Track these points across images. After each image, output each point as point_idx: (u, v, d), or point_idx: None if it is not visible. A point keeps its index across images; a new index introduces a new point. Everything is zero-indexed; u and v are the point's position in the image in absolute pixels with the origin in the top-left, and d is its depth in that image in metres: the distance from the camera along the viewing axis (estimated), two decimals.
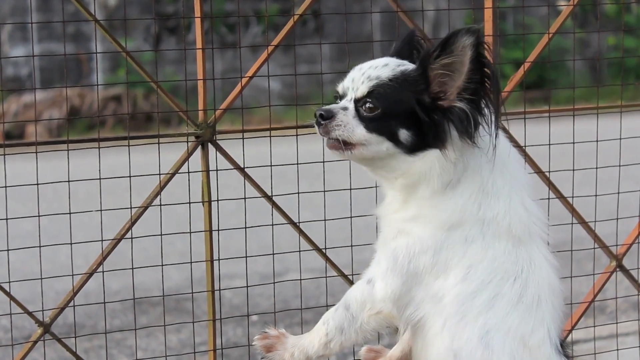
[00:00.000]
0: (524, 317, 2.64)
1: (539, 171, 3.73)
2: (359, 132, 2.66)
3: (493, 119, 2.61)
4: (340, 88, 2.75)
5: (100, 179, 3.26)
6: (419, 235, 2.65)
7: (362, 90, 2.67)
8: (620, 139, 3.91)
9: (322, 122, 2.69)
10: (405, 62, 2.73)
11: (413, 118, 2.63)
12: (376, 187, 2.88)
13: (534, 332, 2.64)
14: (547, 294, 2.68)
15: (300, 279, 3.55)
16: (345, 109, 2.69)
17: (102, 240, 3.29)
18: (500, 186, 2.67)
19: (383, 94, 2.65)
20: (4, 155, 3.17)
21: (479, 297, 2.62)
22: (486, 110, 2.61)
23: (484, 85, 2.59)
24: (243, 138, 3.43)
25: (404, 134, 2.64)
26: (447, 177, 2.64)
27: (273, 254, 3.48)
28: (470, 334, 2.61)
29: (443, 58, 2.58)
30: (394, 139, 2.64)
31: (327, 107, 2.71)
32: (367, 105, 2.66)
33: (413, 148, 2.64)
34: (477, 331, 2.61)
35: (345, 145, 2.67)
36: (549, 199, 3.69)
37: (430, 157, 2.63)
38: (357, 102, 2.68)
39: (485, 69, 2.57)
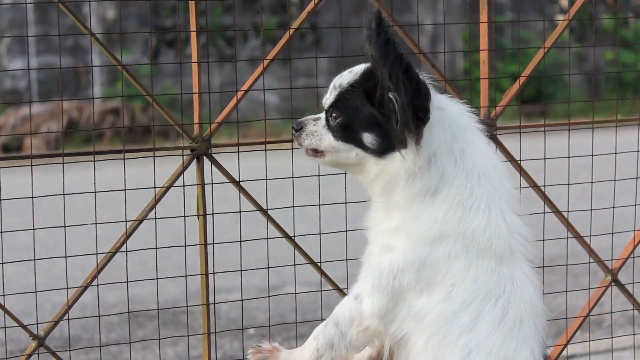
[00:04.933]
0: (506, 338, 2.63)
1: (534, 185, 3.73)
2: (327, 140, 2.77)
3: (399, 108, 2.59)
4: (323, 100, 2.83)
5: (95, 192, 3.26)
6: (402, 249, 2.65)
7: (330, 100, 2.78)
8: (616, 153, 3.92)
9: (295, 133, 2.84)
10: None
11: (375, 120, 2.67)
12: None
13: (517, 353, 2.64)
14: (529, 314, 2.68)
15: (296, 293, 3.55)
16: (317, 119, 2.81)
17: (97, 254, 3.30)
18: (479, 197, 2.66)
19: (344, 102, 2.74)
20: (0, 168, 3.17)
21: (461, 318, 2.62)
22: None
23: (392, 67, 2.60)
24: (239, 151, 3.44)
25: (368, 138, 2.69)
26: (421, 183, 2.65)
27: (268, 267, 3.48)
28: (453, 355, 2.61)
29: (369, 50, 2.63)
30: (360, 144, 2.71)
31: (301, 119, 2.84)
32: (333, 114, 2.76)
33: (381, 151, 2.68)
34: (459, 352, 2.61)
35: (316, 153, 2.81)
36: (544, 213, 3.69)
37: (398, 158, 2.65)
38: (327, 112, 2.78)
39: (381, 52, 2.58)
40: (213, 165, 3.41)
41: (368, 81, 2.69)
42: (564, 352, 3.91)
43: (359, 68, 2.76)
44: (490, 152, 2.78)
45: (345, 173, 3.39)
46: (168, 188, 3.37)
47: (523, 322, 2.66)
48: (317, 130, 2.79)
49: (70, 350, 3.40)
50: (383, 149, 2.67)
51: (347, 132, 2.73)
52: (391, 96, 2.60)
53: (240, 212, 3.43)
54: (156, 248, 3.35)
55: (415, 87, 2.60)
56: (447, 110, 2.71)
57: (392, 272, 2.66)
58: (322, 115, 2.82)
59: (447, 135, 2.67)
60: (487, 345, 2.61)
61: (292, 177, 3.44)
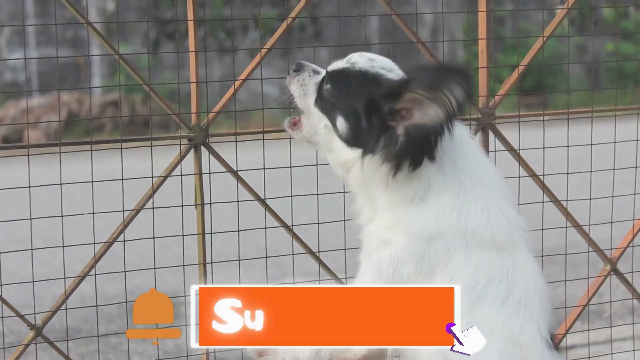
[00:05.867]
0: (511, 317, 2.64)
1: (533, 175, 3.73)
2: (308, 99, 2.76)
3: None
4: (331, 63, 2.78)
5: (92, 181, 3.26)
6: (401, 244, 2.65)
7: (335, 67, 2.74)
8: (615, 142, 3.91)
9: (292, 72, 2.80)
10: (397, 67, 2.72)
11: (357, 115, 2.64)
12: None
13: (523, 329, 2.64)
14: (534, 294, 2.68)
15: (294, 283, 3.54)
16: (317, 73, 2.78)
17: (94, 244, 3.29)
18: (475, 197, 2.66)
19: (343, 79, 2.69)
20: None
21: (462, 302, 2.62)
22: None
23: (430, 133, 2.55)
24: (236, 141, 3.44)
25: (341, 123, 2.67)
26: (404, 193, 2.64)
27: (266, 257, 3.48)
28: None
29: (424, 92, 2.53)
30: (332, 122, 2.69)
31: (306, 63, 2.80)
32: (330, 82, 2.72)
33: (349, 141, 2.66)
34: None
35: (294, 125, 2.77)
36: (542, 202, 3.69)
37: (365, 160, 2.63)
38: (326, 74, 2.75)
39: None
40: (211, 155, 3.41)
41: (377, 87, 2.65)
42: (564, 342, 3.91)
43: (380, 64, 2.71)
44: (483, 159, 2.76)
45: None
46: (165, 177, 3.37)
47: (528, 301, 2.66)
48: (306, 84, 2.77)
49: (67, 341, 3.40)
50: (351, 141, 2.66)
51: (328, 105, 2.71)
52: (399, 132, 2.57)
53: (238, 201, 3.43)
54: (154, 238, 3.35)
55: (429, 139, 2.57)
56: None
57: (392, 266, 2.66)
58: (322, 72, 2.78)
59: None
60: (489, 324, 2.61)
61: (290, 167, 3.44)
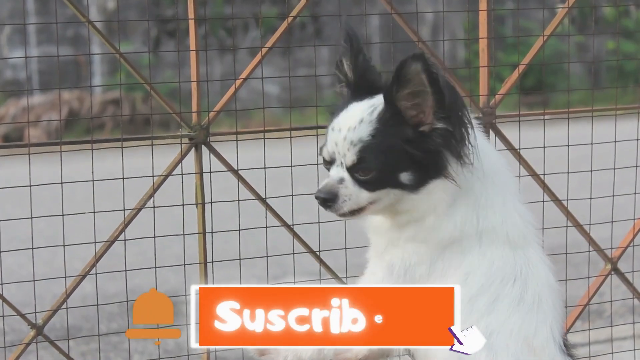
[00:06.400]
0: (526, 318, 2.64)
1: (533, 174, 3.73)
2: (364, 196, 2.62)
3: (468, 132, 2.58)
4: (325, 153, 2.69)
5: (93, 180, 3.26)
6: (415, 249, 2.65)
7: (351, 158, 2.62)
8: (615, 141, 3.91)
9: (329, 204, 2.65)
10: (373, 101, 2.67)
11: (408, 158, 2.59)
12: None
13: (537, 332, 2.64)
14: (547, 293, 2.69)
15: (295, 282, 3.54)
16: (342, 180, 2.65)
17: (95, 243, 3.30)
18: (494, 196, 2.66)
19: (372, 155, 2.60)
20: None
21: (479, 301, 2.62)
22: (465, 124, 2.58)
23: (450, 103, 2.55)
24: (237, 140, 3.44)
25: (405, 177, 2.60)
26: (443, 196, 2.62)
27: (267, 256, 3.48)
28: None
29: (404, 89, 2.55)
30: (396, 184, 2.61)
31: (325, 186, 2.66)
32: (360, 171, 2.62)
33: (417, 185, 2.61)
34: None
35: (353, 213, 2.66)
36: (543, 201, 3.69)
37: (435, 189, 2.61)
38: (351, 169, 2.63)
39: (442, 90, 2.53)
40: (211, 154, 3.41)
41: (389, 121, 2.61)
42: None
43: (366, 110, 2.65)
44: (492, 149, 2.78)
45: None
46: (166, 176, 3.38)
47: (541, 302, 2.66)
48: (350, 193, 2.64)
49: (68, 339, 3.41)
50: (419, 183, 2.61)
51: (382, 180, 2.62)
52: (435, 126, 2.56)
53: (238, 200, 3.43)
54: (154, 237, 3.35)
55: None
56: None
57: (404, 267, 2.66)
58: (342, 174, 2.66)
59: None
60: (507, 326, 2.61)
61: (291, 166, 3.44)
